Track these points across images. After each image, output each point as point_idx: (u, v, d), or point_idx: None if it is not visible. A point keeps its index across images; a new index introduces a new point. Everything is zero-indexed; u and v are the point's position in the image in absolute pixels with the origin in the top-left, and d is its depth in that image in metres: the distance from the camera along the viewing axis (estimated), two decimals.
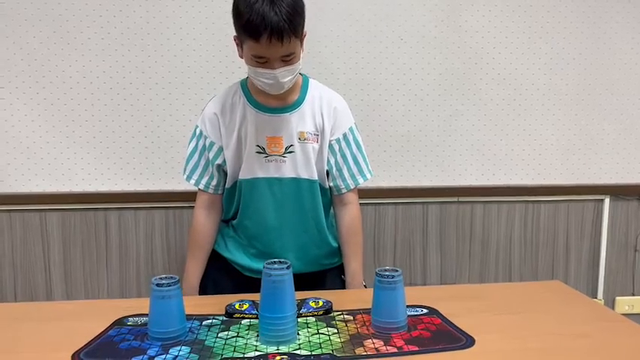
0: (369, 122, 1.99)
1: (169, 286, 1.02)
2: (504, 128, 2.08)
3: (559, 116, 2.10)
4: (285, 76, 1.26)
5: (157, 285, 1.02)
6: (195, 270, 1.45)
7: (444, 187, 2.08)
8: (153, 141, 1.93)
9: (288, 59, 1.24)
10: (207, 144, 1.39)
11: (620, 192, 2.17)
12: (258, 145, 1.36)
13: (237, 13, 1.22)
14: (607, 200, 2.17)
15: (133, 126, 1.91)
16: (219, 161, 1.40)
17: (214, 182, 1.43)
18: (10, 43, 1.82)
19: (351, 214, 1.46)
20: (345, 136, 1.41)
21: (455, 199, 2.10)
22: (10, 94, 1.85)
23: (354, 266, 1.46)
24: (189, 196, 1.90)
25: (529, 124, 2.09)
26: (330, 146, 1.40)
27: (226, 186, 1.44)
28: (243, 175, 1.39)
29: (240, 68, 1.87)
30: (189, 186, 1.46)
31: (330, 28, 1.94)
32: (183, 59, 1.90)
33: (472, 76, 2.04)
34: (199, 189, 1.44)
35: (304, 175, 1.39)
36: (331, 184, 1.44)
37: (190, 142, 1.43)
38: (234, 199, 1.44)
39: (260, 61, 1.24)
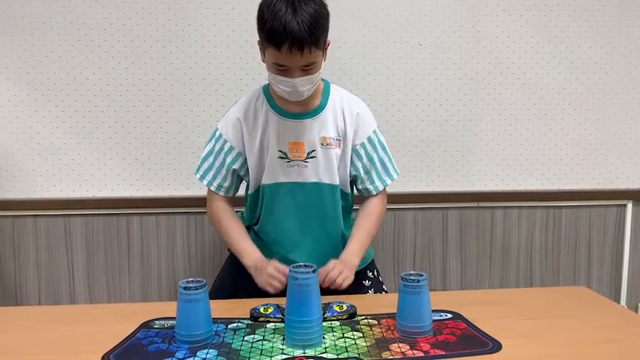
0: (388, 127, 1.99)
1: (197, 289, 1.03)
2: (524, 133, 2.07)
3: (580, 120, 2.09)
4: (304, 85, 1.27)
5: (185, 288, 1.03)
6: (250, 241, 1.41)
7: (464, 193, 2.07)
8: (174, 147, 1.95)
9: (308, 69, 1.25)
10: (225, 148, 1.40)
11: None
12: (280, 151, 1.37)
13: (261, 20, 1.23)
14: (630, 205, 2.14)
15: (155, 132, 1.94)
16: (235, 166, 1.41)
17: (227, 184, 1.43)
18: (35, 51, 1.86)
19: (371, 202, 1.46)
20: (369, 139, 1.42)
21: (475, 204, 2.09)
22: (36, 102, 1.89)
23: (349, 247, 1.40)
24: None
25: (549, 129, 2.08)
26: (356, 151, 1.41)
27: (250, 192, 1.46)
28: (265, 181, 1.40)
29: (260, 75, 1.90)
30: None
31: (350, 33, 1.95)
32: (205, 66, 1.92)
33: (492, 80, 2.04)
34: (211, 190, 1.44)
35: (326, 180, 1.40)
36: (360, 187, 1.45)
37: (208, 143, 1.44)
38: (257, 205, 1.45)
39: (280, 69, 1.25)
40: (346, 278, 1.32)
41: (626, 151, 2.12)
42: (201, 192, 1.93)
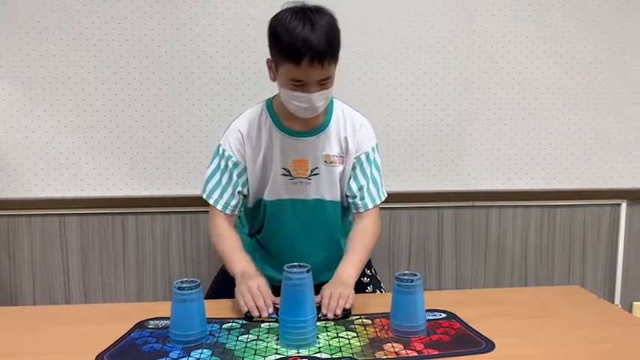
0: (384, 127, 1.99)
1: (191, 289, 1.03)
2: (519, 132, 2.08)
3: (575, 120, 2.09)
4: (320, 100, 1.26)
5: (179, 288, 1.03)
6: (249, 260, 1.33)
7: (459, 192, 2.07)
8: (169, 146, 1.94)
9: (324, 83, 1.24)
10: (230, 164, 1.38)
11: (637, 196, 2.14)
12: (283, 168, 1.37)
13: (276, 37, 1.21)
14: (624, 205, 2.15)
15: (150, 131, 1.93)
16: (242, 180, 1.39)
17: (234, 202, 1.39)
18: (30, 50, 1.86)
19: (360, 224, 1.42)
20: (367, 155, 1.41)
21: (470, 203, 2.09)
22: (31, 101, 1.88)
23: (340, 268, 1.32)
24: (205, 201, 1.92)
25: (545, 128, 2.08)
26: (352, 164, 1.41)
27: (249, 205, 1.45)
28: (267, 197, 1.40)
29: (256, 74, 1.90)
30: None
31: (345, 33, 1.92)
32: (200, 65, 1.92)
33: (487, 80, 2.04)
34: (217, 209, 1.39)
35: (327, 197, 1.41)
36: (350, 201, 1.43)
37: (213, 160, 1.41)
38: (257, 217, 1.46)
39: (298, 85, 1.23)
40: (348, 297, 1.20)
41: (621, 151, 2.13)
42: (196, 191, 1.93)
